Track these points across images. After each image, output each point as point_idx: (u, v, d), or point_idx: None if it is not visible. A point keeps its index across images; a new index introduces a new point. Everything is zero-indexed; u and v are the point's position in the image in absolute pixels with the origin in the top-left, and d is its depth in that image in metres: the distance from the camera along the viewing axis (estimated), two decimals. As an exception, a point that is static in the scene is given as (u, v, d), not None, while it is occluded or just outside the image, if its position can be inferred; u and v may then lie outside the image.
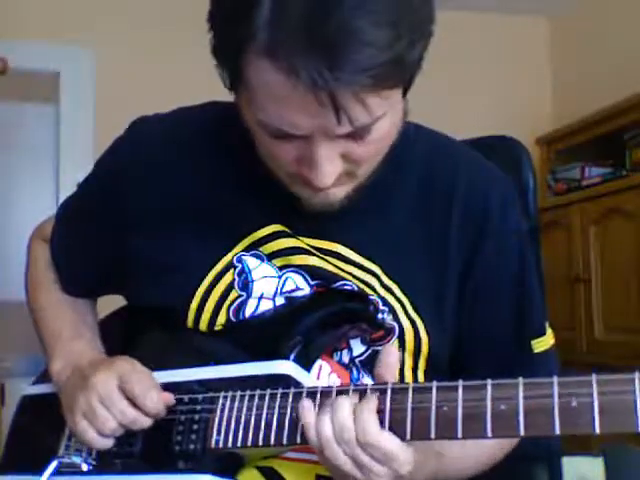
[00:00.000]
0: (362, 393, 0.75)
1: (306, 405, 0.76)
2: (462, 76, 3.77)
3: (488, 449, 0.93)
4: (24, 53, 3.23)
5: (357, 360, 0.90)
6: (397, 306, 0.89)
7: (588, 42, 3.70)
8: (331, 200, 0.82)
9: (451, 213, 0.92)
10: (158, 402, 0.85)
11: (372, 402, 0.73)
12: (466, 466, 0.91)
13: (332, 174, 0.76)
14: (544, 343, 0.97)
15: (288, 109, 0.70)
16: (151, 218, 0.94)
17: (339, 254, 0.90)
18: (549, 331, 0.98)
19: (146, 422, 0.86)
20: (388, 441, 0.72)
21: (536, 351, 0.96)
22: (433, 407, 0.71)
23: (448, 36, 3.68)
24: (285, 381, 0.82)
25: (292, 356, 0.84)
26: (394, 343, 0.89)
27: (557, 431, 0.66)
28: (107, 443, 0.87)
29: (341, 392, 0.76)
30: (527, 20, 3.95)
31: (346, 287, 0.89)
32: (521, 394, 0.68)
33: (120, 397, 0.86)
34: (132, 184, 0.95)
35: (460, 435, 0.69)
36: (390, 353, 0.79)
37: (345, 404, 0.73)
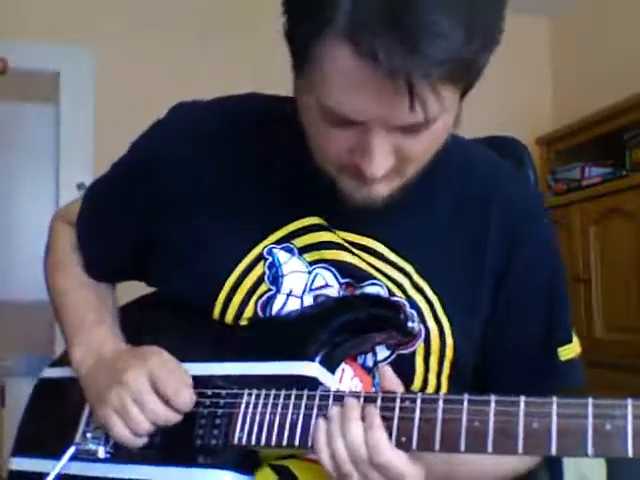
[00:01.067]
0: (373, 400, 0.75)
1: (320, 425, 0.76)
2: (462, 76, 3.77)
3: (509, 464, 0.92)
4: (24, 53, 3.23)
5: (380, 364, 0.89)
6: (425, 307, 0.89)
7: (588, 42, 3.70)
8: (375, 196, 0.81)
9: (489, 220, 0.92)
10: (191, 401, 0.85)
11: (378, 420, 0.73)
12: (483, 477, 0.91)
13: (384, 166, 0.76)
14: (570, 351, 0.96)
15: (358, 95, 0.71)
16: (184, 203, 0.93)
17: (374, 250, 0.90)
18: (575, 339, 0.97)
19: (177, 418, 0.86)
20: (397, 458, 0.73)
21: (562, 359, 0.95)
22: (464, 421, 0.70)
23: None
24: (311, 383, 0.81)
25: (318, 358, 0.84)
26: (420, 347, 0.89)
27: (589, 453, 0.65)
28: (140, 442, 0.87)
29: (369, 399, 0.76)
30: (527, 20, 3.94)
31: (375, 285, 0.89)
32: (555, 413, 0.67)
33: (152, 396, 0.85)
34: (167, 169, 0.94)
35: (490, 450, 0.69)
36: (387, 371, 0.80)
37: (355, 425, 0.74)
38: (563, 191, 3.31)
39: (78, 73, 3.44)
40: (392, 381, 0.79)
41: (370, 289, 0.89)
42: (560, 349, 0.95)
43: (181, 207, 0.93)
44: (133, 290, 1.09)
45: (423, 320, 0.88)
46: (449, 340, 0.89)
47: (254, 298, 0.90)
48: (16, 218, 4.35)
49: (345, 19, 0.67)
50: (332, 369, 0.85)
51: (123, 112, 3.11)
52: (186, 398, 0.85)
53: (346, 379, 0.87)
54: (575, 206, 3.18)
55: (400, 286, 0.89)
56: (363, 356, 0.89)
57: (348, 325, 0.86)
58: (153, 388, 0.85)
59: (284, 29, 0.74)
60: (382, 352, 0.89)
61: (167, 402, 0.85)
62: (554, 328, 0.95)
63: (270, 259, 0.90)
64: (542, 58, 4.01)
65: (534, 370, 0.94)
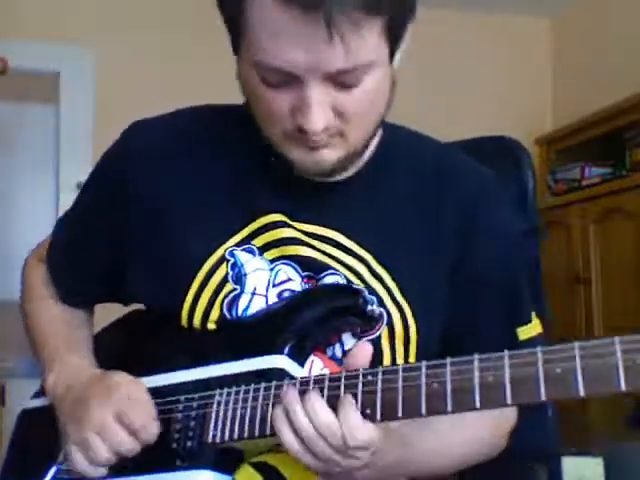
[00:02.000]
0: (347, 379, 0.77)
1: (278, 413, 0.77)
2: (462, 76, 3.77)
3: (469, 442, 0.93)
4: (24, 53, 3.24)
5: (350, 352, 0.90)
6: (384, 293, 0.91)
7: (588, 42, 3.71)
8: (323, 163, 0.85)
9: (445, 207, 0.95)
10: (157, 432, 0.86)
11: (349, 400, 0.75)
12: (441, 461, 0.92)
13: (322, 119, 0.79)
14: (530, 330, 0.99)
15: (285, 42, 0.75)
16: (150, 218, 0.95)
17: (333, 240, 0.92)
18: (536, 320, 1.01)
19: (139, 448, 0.86)
20: (369, 430, 0.75)
21: (521, 338, 0.97)
22: (423, 385, 0.73)
23: (448, 35, 3.67)
24: (279, 375, 0.83)
25: (286, 350, 0.85)
26: (384, 331, 0.91)
27: (543, 397, 0.67)
28: (101, 473, 0.87)
29: (333, 379, 0.78)
30: (527, 20, 3.94)
31: (334, 275, 0.91)
32: (507, 365, 0.70)
33: (117, 429, 0.85)
34: (130, 190, 0.96)
35: (450, 409, 0.71)
36: (363, 348, 0.81)
37: (314, 395, 0.75)
38: (563, 191, 3.31)
39: (78, 73, 3.45)
40: (357, 362, 0.80)
41: (329, 279, 0.91)
42: (519, 329, 0.98)
43: (148, 222, 0.95)
44: (109, 312, 1.11)
45: (383, 305, 0.91)
46: (411, 323, 0.91)
47: (220, 298, 0.91)
48: (16, 218, 4.35)
49: None
50: (301, 361, 0.87)
51: (123, 112, 3.09)
52: (153, 431, 0.86)
53: (316, 370, 0.89)
54: (575, 206, 3.18)
55: (358, 274, 0.92)
56: (332, 347, 0.91)
57: (312, 316, 0.88)
58: (118, 421, 0.86)
59: (217, 3, 0.80)
60: (349, 341, 0.91)
61: (133, 433, 0.85)
62: (513, 310, 0.99)
63: (232, 260, 0.92)
64: (542, 58, 4.01)
65: (492, 350, 0.96)
